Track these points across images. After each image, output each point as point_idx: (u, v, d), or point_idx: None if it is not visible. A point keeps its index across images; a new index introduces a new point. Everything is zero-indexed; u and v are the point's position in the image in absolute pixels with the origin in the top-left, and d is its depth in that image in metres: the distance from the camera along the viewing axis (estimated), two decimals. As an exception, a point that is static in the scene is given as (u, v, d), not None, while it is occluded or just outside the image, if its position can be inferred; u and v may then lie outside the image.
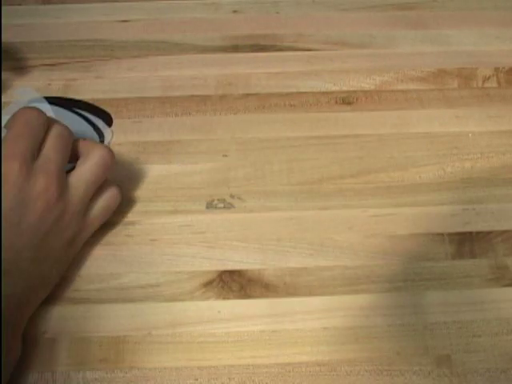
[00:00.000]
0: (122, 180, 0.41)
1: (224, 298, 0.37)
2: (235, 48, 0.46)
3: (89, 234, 0.37)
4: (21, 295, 0.32)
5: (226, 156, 0.42)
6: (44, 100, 0.43)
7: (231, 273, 0.38)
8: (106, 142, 0.42)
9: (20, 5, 0.48)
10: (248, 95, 0.44)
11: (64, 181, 0.34)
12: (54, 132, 0.35)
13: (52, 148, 0.34)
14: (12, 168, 0.32)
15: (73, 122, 0.43)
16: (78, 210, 0.35)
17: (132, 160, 0.42)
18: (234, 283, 0.37)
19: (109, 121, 0.43)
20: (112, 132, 0.43)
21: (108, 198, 0.37)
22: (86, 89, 0.44)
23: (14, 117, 0.34)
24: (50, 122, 0.35)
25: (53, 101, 0.44)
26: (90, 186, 0.35)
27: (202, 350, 0.35)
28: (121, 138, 0.42)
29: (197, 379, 0.35)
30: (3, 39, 0.46)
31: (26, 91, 0.44)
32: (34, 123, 0.34)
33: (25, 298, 0.33)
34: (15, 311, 0.32)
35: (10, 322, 0.31)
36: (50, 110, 0.42)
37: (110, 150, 0.36)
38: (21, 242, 0.32)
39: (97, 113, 0.43)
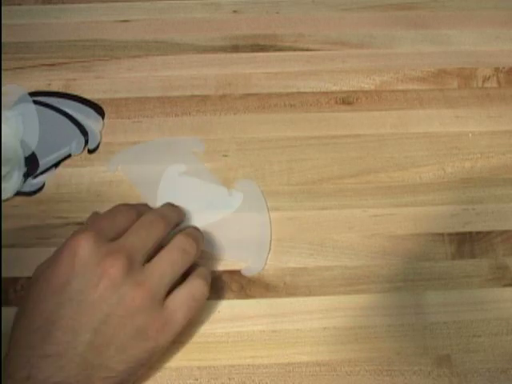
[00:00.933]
0: (122, 180, 0.41)
1: (224, 298, 0.37)
2: (235, 48, 0.46)
3: (172, 331, 0.32)
4: (74, 382, 0.29)
5: (226, 156, 0.42)
6: (29, 99, 0.43)
7: (231, 273, 0.38)
8: (97, 131, 0.42)
9: (20, 5, 0.48)
10: (248, 95, 0.44)
11: (137, 264, 0.31)
12: (142, 219, 0.33)
13: (133, 232, 0.32)
14: (83, 240, 0.30)
15: (58, 122, 0.42)
16: (152, 296, 0.31)
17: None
18: (234, 283, 0.37)
19: (100, 111, 0.43)
20: (103, 123, 0.43)
21: (191, 288, 0.33)
22: (86, 89, 0.44)
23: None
24: (141, 211, 0.34)
25: (41, 99, 0.43)
26: (168, 273, 0.32)
27: (201, 349, 0.35)
28: (121, 137, 0.42)
29: (197, 379, 0.35)
30: (3, 39, 0.46)
31: (12, 88, 0.43)
32: (120, 213, 0.33)
33: None
34: None
35: None
36: (33, 110, 0.42)
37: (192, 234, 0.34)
38: (79, 322, 0.29)
39: (87, 104, 0.43)
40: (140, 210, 0.35)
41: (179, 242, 0.33)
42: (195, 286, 0.33)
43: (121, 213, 0.34)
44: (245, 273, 0.37)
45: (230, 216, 0.39)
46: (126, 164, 0.41)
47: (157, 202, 0.39)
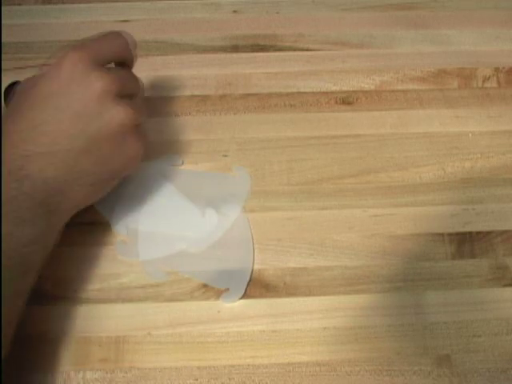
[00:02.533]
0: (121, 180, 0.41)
1: (224, 298, 0.37)
2: (235, 48, 0.46)
3: (140, 156, 0.36)
4: (62, 181, 0.32)
5: (225, 156, 0.42)
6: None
7: (231, 273, 0.38)
8: None
9: (20, 5, 0.48)
10: (248, 95, 0.44)
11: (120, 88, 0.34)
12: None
13: (120, 70, 0.36)
14: (70, 58, 0.33)
15: None
16: (134, 118, 0.34)
17: (132, 160, 0.41)
18: (233, 283, 0.37)
19: None
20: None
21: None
22: (86, 89, 0.44)
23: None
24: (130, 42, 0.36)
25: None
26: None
27: (201, 349, 0.35)
28: (121, 138, 0.42)
29: (197, 379, 0.35)
30: (3, 39, 0.46)
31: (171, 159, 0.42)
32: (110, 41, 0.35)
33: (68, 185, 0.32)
34: (59, 195, 0.32)
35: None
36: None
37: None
38: (67, 129, 0.32)
39: None
40: (127, 44, 0.36)
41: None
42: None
43: (109, 41, 0.35)
44: (224, 300, 0.37)
45: (213, 241, 0.38)
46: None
47: (138, 226, 0.39)
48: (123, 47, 0.35)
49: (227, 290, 0.37)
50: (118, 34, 0.35)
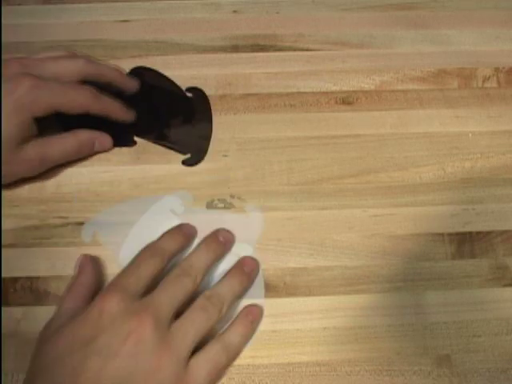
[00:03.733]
0: (122, 181, 0.41)
1: (224, 298, 0.37)
2: (235, 48, 0.46)
3: None
4: None
5: (225, 156, 0.42)
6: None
7: (231, 273, 0.38)
8: None
9: (20, 5, 0.48)
10: (248, 95, 0.44)
11: (164, 323, 0.32)
12: (170, 276, 0.34)
13: (161, 289, 0.33)
14: (110, 300, 0.31)
15: None
16: (177, 355, 0.31)
17: (132, 160, 0.42)
18: (234, 283, 0.37)
19: None
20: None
21: (215, 356, 0.33)
22: (86, 89, 0.44)
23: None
24: (164, 254, 0.34)
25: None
26: (191, 334, 0.32)
27: (201, 349, 0.35)
28: (121, 137, 0.42)
29: (197, 379, 0.35)
30: (3, 39, 0.46)
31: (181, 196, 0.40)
32: (144, 263, 0.34)
33: None
34: None
35: None
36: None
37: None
38: (105, 375, 0.29)
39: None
40: (163, 252, 0.35)
41: (202, 303, 0.34)
42: (219, 356, 0.33)
43: (144, 262, 0.34)
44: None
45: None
46: (102, 230, 0.39)
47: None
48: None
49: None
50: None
